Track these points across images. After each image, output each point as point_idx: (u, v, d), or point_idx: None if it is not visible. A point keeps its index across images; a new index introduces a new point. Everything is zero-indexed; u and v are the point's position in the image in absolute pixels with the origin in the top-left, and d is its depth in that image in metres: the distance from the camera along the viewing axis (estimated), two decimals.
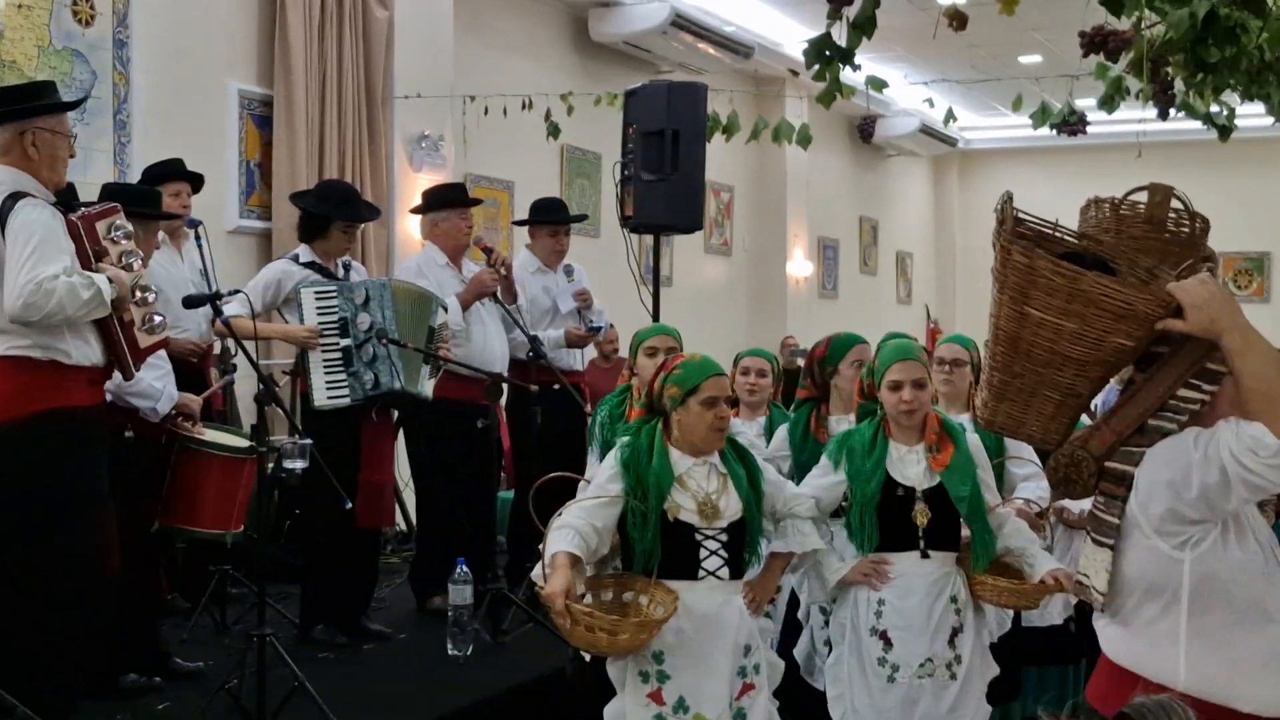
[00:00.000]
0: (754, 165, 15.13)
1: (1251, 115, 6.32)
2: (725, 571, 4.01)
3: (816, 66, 4.96)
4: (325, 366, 6.00)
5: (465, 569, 5.86)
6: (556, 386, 6.71)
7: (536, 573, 3.84)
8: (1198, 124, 6.81)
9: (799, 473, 4.90)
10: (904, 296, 18.95)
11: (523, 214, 7.73)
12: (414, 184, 9.59)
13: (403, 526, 8.52)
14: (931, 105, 9.73)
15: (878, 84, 6.12)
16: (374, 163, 9.35)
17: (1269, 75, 5.60)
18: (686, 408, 4.05)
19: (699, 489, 4.04)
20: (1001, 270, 3.33)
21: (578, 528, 3.85)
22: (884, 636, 4.37)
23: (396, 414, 6.54)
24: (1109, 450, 3.26)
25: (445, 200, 7.00)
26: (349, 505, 5.46)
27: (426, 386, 6.26)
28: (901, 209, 19.02)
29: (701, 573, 3.98)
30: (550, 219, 7.42)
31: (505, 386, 6.68)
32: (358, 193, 6.79)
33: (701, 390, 4.04)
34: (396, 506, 7.30)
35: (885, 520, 4.38)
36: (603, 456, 4.52)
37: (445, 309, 6.38)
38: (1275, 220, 17.26)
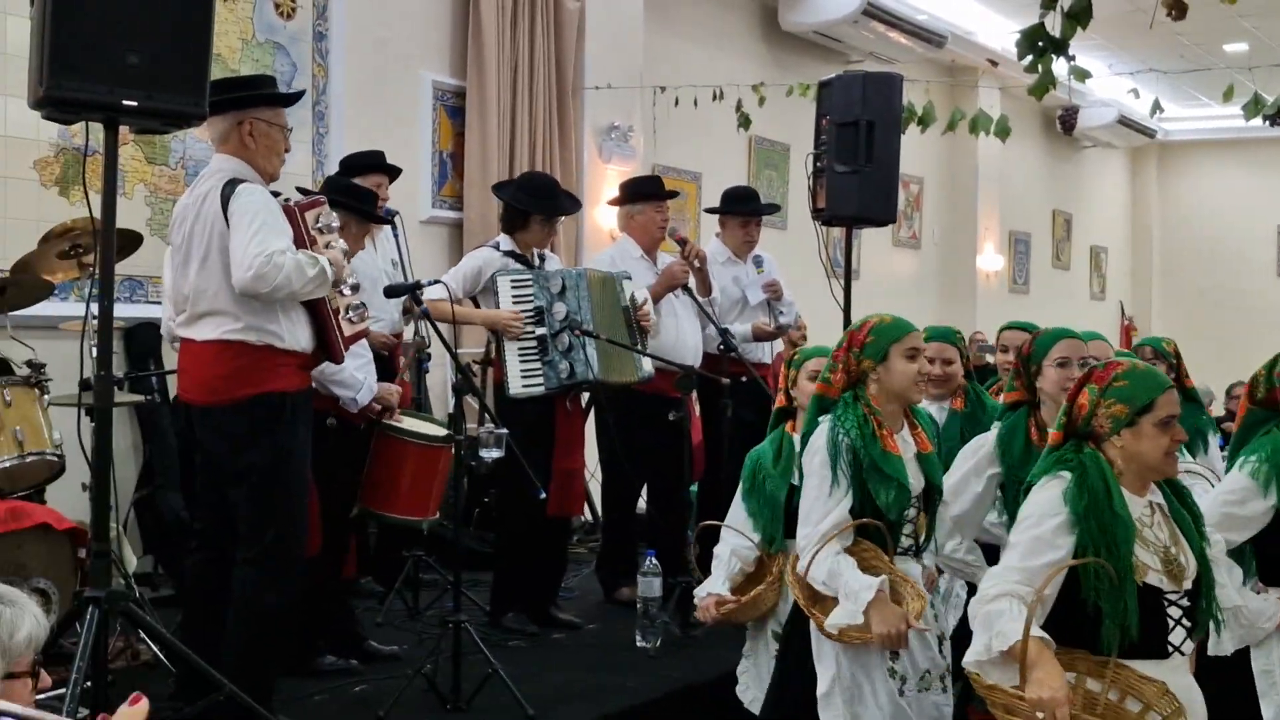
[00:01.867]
0: (945, 157, 14.86)
1: None
2: (1188, 647, 3.35)
3: (1030, 57, 4.81)
4: (520, 355, 6.03)
5: (655, 561, 5.84)
6: (745, 379, 6.67)
7: (972, 661, 3.22)
8: None
9: (1015, 493, 4.12)
10: (1098, 293, 18.44)
11: (711, 205, 7.68)
12: (603, 175, 9.63)
13: (588, 517, 8.55)
14: (1137, 96, 9.41)
15: (1081, 74, 5.92)
16: (564, 153, 9.39)
17: None
18: (1137, 430, 3.35)
19: (1156, 540, 3.35)
20: None
21: (1024, 598, 3.18)
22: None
23: (588, 401, 6.56)
24: None
25: (642, 193, 6.99)
26: (543, 495, 5.47)
27: (646, 364, 6.28)
28: (1097, 202, 18.51)
29: (1169, 649, 3.31)
30: (742, 209, 7.36)
31: (696, 379, 6.64)
32: (558, 185, 6.82)
33: (1157, 408, 3.34)
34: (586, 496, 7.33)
35: None
36: (836, 479, 3.93)
37: (629, 279, 6.37)
38: None
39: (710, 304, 6.86)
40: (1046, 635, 3.14)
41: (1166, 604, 3.29)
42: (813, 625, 3.96)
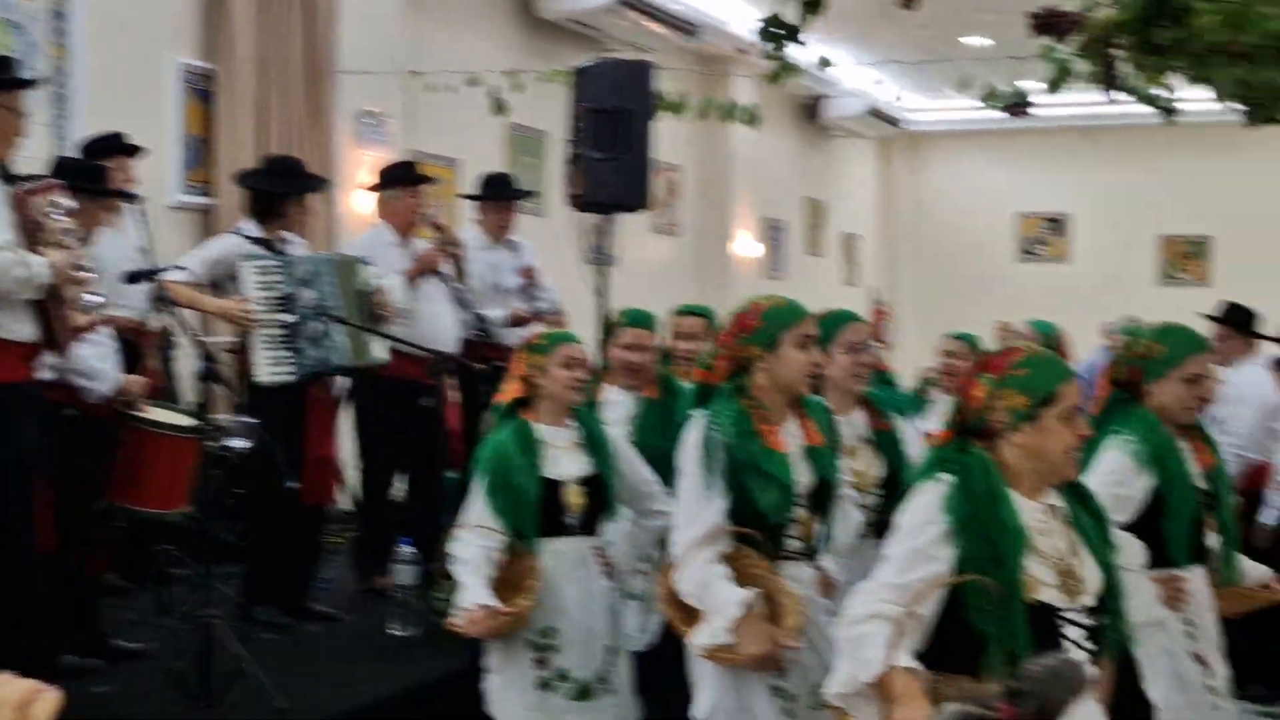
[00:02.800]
0: (700, 145, 15.08)
1: (1197, 100, 6.34)
2: (1092, 671, 2.91)
3: (770, 46, 4.96)
4: (268, 342, 5.92)
5: (411, 548, 5.81)
6: (502, 365, 6.68)
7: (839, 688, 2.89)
8: (1144, 107, 6.86)
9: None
10: (851, 279, 18.99)
11: (467, 192, 7.67)
12: (359, 161, 9.50)
13: (345, 505, 8.45)
14: (880, 85, 9.72)
15: (824, 62, 6.13)
16: (318, 138, 9.22)
17: (1216, 58, 5.62)
18: (1039, 424, 2.95)
19: (1051, 551, 2.96)
20: None
21: (897, 621, 2.80)
22: None
23: (339, 388, 6.47)
24: None
25: (396, 178, 6.94)
26: (295, 484, 5.39)
27: (379, 349, 6.20)
28: (849, 190, 19.04)
29: None
30: (498, 194, 7.37)
31: (451, 365, 6.62)
32: (303, 164, 6.71)
33: (1060, 399, 2.96)
34: (340, 484, 7.24)
35: None
36: (708, 480, 3.68)
37: (369, 264, 6.31)
38: (1217, 204, 17.41)
39: (467, 290, 6.85)
40: (917, 664, 2.79)
41: (1061, 623, 2.90)
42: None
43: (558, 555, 4.17)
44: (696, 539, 3.67)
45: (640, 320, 5.05)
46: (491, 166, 8.88)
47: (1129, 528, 3.80)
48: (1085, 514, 3.03)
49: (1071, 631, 2.90)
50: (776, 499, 3.69)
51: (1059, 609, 2.90)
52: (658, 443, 4.50)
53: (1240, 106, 4.56)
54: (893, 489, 4.21)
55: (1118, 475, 3.88)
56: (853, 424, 4.42)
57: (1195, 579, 4.00)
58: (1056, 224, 18.88)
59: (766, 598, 3.63)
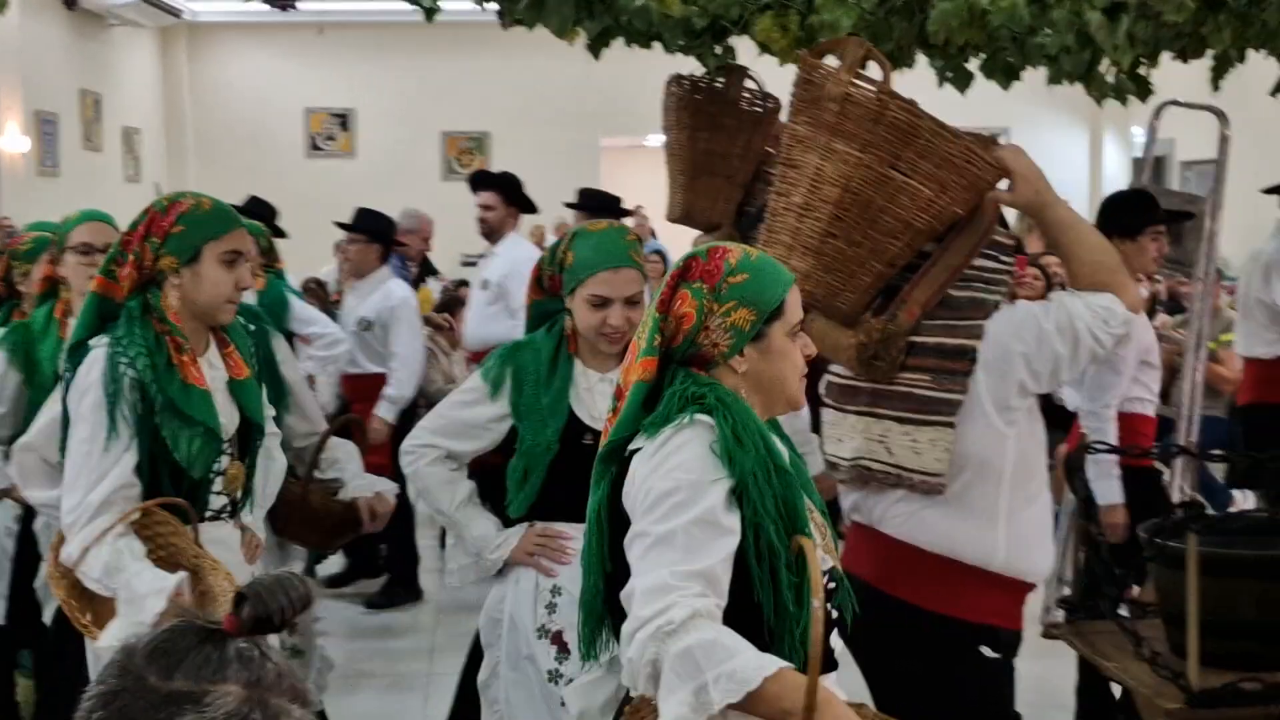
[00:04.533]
0: None
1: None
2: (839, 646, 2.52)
3: None
4: None
5: None
6: None
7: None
8: (404, 5, 6.93)
9: None
10: (133, 175, 18.17)
11: None
12: None
13: None
14: None
15: None
16: None
17: None
18: (764, 345, 2.41)
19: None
20: (872, 128, 2.90)
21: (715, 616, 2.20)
22: (558, 640, 3.34)
23: None
24: (916, 325, 3.06)
25: None
26: None
27: None
28: (128, 83, 18.14)
29: (834, 658, 2.51)
30: None
31: None
32: None
33: (788, 311, 2.46)
34: None
35: (562, 475, 3.32)
36: (115, 428, 3.01)
37: None
38: (492, 101, 18.22)
39: None
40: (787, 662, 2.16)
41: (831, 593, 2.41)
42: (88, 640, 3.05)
43: None
44: (96, 505, 2.97)
45: None
46: None
47: None
48: (796, 455, 2.52)
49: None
50: (202, 447, 3.09)
51: (831, 572, 2.41)
52: None
53: (494, 6, 4.74)
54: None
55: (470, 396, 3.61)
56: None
57: None
58: (343, 119, 19.02)
59: (193, 577, 2.95)
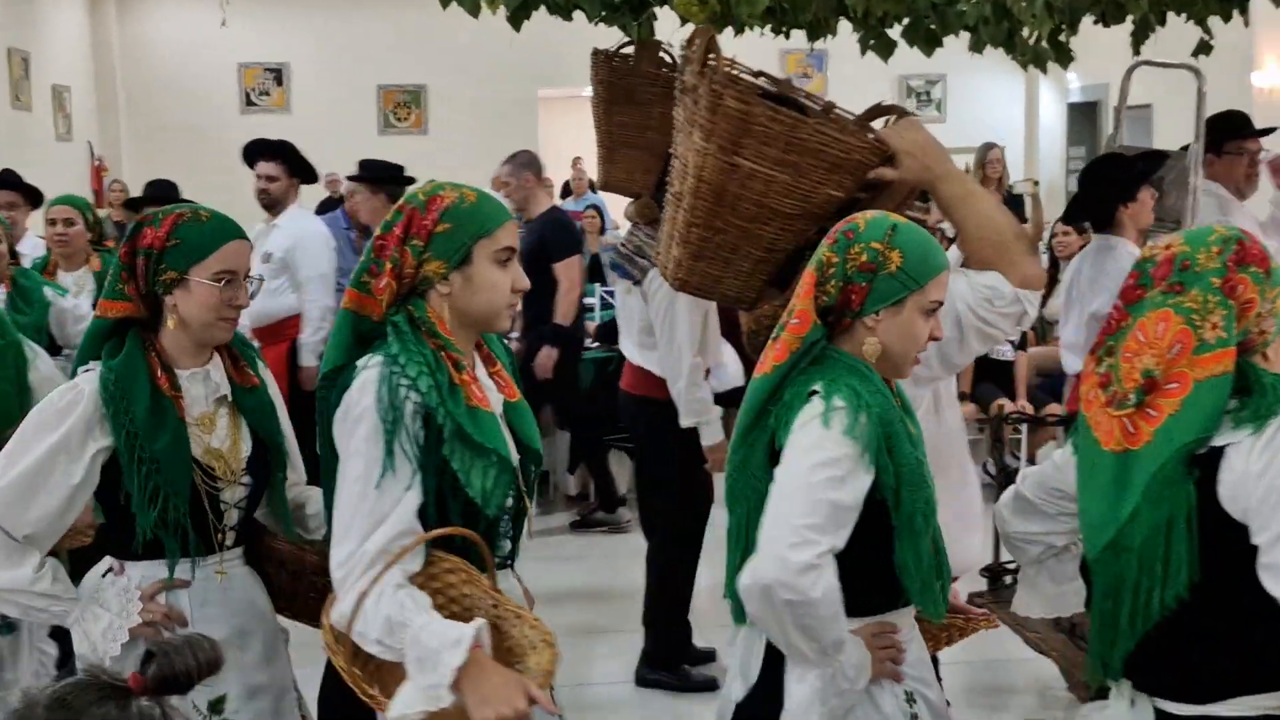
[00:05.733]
0: None
1: None
2: None
3: None
4: None
5: None
6: None
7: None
8: None
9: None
10: (64, 133, 17.90)
11: None
12: None
13: None
14: None
15: None
16: None
17: None
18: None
19: None
20: (710, 118, 2.83)
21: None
22: None
23: None
24: None
25: None
26: None
27: None
28: (57, 41, 17.84)
29: None
30: None
31: None
32: None
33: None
34: None
35: None
36: (392, 462, 2.55)
37: None
38: (428, 54, 18.03)
39: None
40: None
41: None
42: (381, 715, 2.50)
43: None
44: (372, 554, 2.50)
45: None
46: None
47: None
48: None
49: None
50: (497, 480, 2.60)
51: None
52: None
53: None
54: None
55: None
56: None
57: None
58: (277, 74, 18.79)
59: (493, 629, 2.51)
